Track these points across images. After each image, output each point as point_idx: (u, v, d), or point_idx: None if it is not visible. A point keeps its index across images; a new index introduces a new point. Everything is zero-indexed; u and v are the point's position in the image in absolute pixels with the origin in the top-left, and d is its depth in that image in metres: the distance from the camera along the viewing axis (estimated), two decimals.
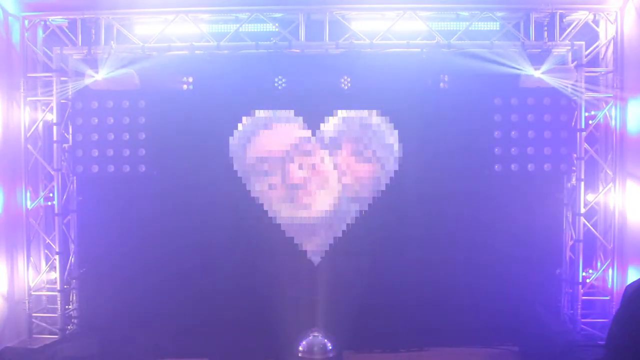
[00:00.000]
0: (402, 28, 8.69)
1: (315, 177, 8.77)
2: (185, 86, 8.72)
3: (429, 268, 8.57)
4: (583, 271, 8.60)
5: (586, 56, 8.59)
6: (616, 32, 8.49)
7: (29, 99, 8.81)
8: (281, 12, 8.74)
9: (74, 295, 8.99)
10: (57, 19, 8.86)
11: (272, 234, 8.75)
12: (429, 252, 8.58)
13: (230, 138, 8.81)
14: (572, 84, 8.33)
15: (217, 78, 8.63)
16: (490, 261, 8.49)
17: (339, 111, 8.77)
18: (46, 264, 9.17)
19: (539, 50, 8.50)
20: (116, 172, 8.72)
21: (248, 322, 8.44)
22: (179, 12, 8.63)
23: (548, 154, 8.53)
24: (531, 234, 8.61)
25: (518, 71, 8.35)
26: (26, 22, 8.78)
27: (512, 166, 8.58)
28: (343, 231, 8.82)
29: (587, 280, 8.74)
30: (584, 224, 8.56)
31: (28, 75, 8.81)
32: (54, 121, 8.76)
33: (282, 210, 8.81)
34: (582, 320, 8.51)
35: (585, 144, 8.57)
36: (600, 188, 8.77)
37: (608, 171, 8.62)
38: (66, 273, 8.89)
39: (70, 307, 8.97)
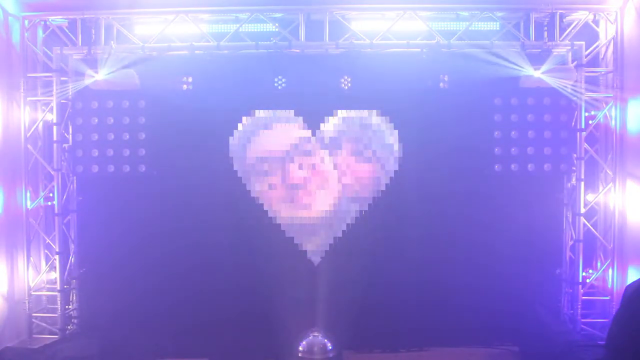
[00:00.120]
0: (402, 28, 8.69)
1: (315, 177, 8.77)
2: (185, 86, 8.71)
3: (429, 268, 8.58)
4: (583, 271, 8.60)
5: (586, 56, 8.60)
6: (616, 32, 8.50)
7: (29, 99, 8.82)
8: (281, 12, 8.75)
9: (74, 295, 9.00)
10: (57, 19, 8.87)
11: (272, 234, 8.75)
12: (429, 252, 8.58)
13: (230, 138, 8.81)
14: (572, 84, 8.33)
15: (217, 78, 8.63)
16: (490, 261, 8.48)
17: (339, 111, 8.77)
18: (46, 264, 9.17)
19: (539, 50, 8.51)
20: (116, 172, 8.73)
21: (248, 322, 8.44)
22: (179, 12, 8.64)
23: (548, 154, 8.53)
24: (531, 234, 8.61)
25: (518, 71, 8.36)
26: (26, 22, 8.79)
27: (512, 166, 8.59)
28: (343, 231, 8.82)
29: (587, 280, 8.74)
30: (584, 224, 8.57)
31: (28, 75, 8.82)
32: (54, 121, 8.77)
33: (282, 210, 8.81)
34: (582, 320, 8.52)
35: (585, 144, 8.57)
36: (600, 188, 8.77)
37: (608, 171, 8.62)
38: (66, 273, 8.89)
39: (70, 307, 8.98)
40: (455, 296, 8.46)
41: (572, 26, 8.65)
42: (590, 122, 8.68)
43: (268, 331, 8.15)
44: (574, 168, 8.55)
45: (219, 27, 8.92)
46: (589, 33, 8.72)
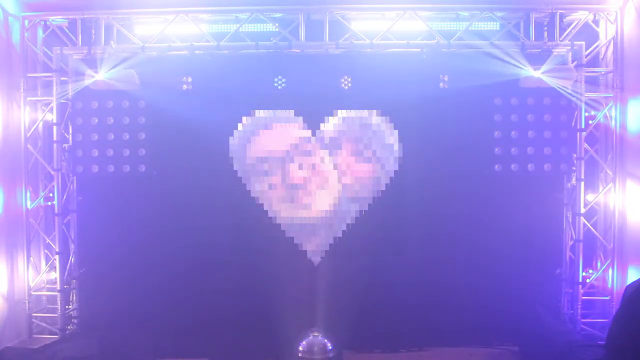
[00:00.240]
0: (402, 28, 8.69)
1: (315, 177, 8.77)
2: (185, 86, 8.70)
3: (429, 268, 8.58)
4: (583, 271, 8.60)
5: (586, 56, 8.60)
6: (616, 32, 8.49)
7: (29, 99, 8.82)
8: (281, 12, 8.74)
9: (74, 295, 8.99)
10: (57, 19, 8.87)
11: (272, 234, 8.76)
12: (429, 252, 8.58)
13: (230, 138, 8.81)
14: (572, 84, 8.32)
15: (217, 78, 8.63)
16: (490, 261, 8.49)
17: (339, 111, 8.78)
18: (46, 264, 9.17)
19: (539, 50, 8.51)
20: (116, 172, 8.73)
21: (248, 322, 8.44)
22: (179, 12, 8.64)
23: (548, 154, 8.53)
24: (531, 234, 8.61)
25: (518, 71, 8.35)
26: (26, 22, 8.79)
27: (512, 166, 8.59)
28: (343, 231, 8.82)
29: (587, 280, 8.74)
30: (584, 224, 8.57)
31: (28, 75, 8.82)
32: (54, 121, 8.77)
33: (282, 210, 8.81)
34: (582, 320, 8.52)
35: (585, 144, 8.57)
36: (600, 188, 8.77)
37: (608, 171, 8.62)
38: (66, 273, 8.89)
39: (70, 307, 8.98)
40: (455, 296, 8.46)
41: (572, 26, 8.64)
42: (590, 122, 8.68)
43: (268, 331, 8.16)
44: (574, 168, 8.55)
45: (219, 27, 8.91)
46: (589, 33, 8.72)
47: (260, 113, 8.81)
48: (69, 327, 8.87)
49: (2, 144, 8.41)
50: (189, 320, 8.54)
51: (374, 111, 8.75)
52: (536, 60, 8.37)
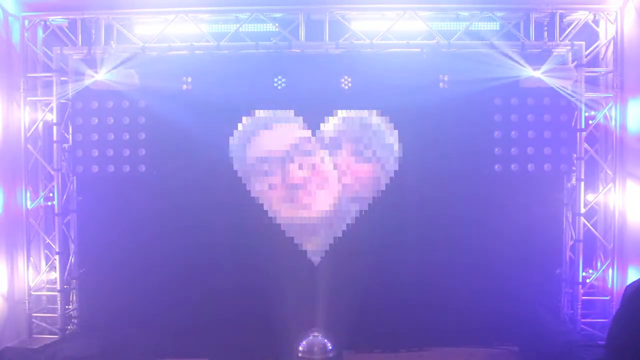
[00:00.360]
0: (402, 28, 8.69)
1: (315, 177, 8.77)
2: (185, 86, 8.69)
3: (429, 268, 8.58)
4: (583, 271, 8.60)
5: (586, 56, 8.59)
6: (616, 32, 8.49)
7: (29, 99, 8.82)
8: (281, 12, 8.74)
9: (74, 295, 8.99)
10: (57, 19, 8.87)
11: (272, 234, 8.75)
12: (429, 252, 8.58)
13: (230, 138, 8.81)
14: (572, 84, 8.32)
15: (217, 78, 8.62)
16: (490, 261, 8.48)
17: (339, 111, 8.77)
18: (46, 264, 9.17)
19: (539, 50, 8.51)
20: (116, 172, 8.73)
21: (248, 322, 8.44)
22: (179, 12, 8.64)
23: (548, 154, 8.53)
24: (531, 234, 8.60)
25: (518, 71, 8.35)
26: (26, 22, 8.79)
27: (512, 166, 8.59)
28: (343, 231, 8.82)
29: (587, 280, 8.74)
30: (584, 224, 8.57)
31: (28, 75, 8.82)
32: (54, 121, 8.76)
33: (282, 210, 8.81)
34: (582, 320, 8.52)
35: (585, 144, 8.57)
36: (600, 188, 8.78)
37: (608, 171, 8.62)
38: (66, 273, 8.89)
39: (70, 307, 8.97)
40: (455, 296, 8.45)
41: (572, 26, 8.65)
42: (590, 122, 8.68)
43: (268, 331, 8.14)
44: (574, 168, 8.55)
45: (219, 27, 8.91)
46: (589, 33, 8.71)
47: (260, 113, 8.81)
48: (69, 327, 8.87)
49: (2, 144, 8.41)
50: (189, 320, 8.54)
51: (374, 111, 8.75)
52: (536, 60, 8.37)
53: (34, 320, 8.87)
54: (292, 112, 8.78)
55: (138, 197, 8.76)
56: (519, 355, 8.22)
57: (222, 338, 8.34)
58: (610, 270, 8.60)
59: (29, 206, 8.85)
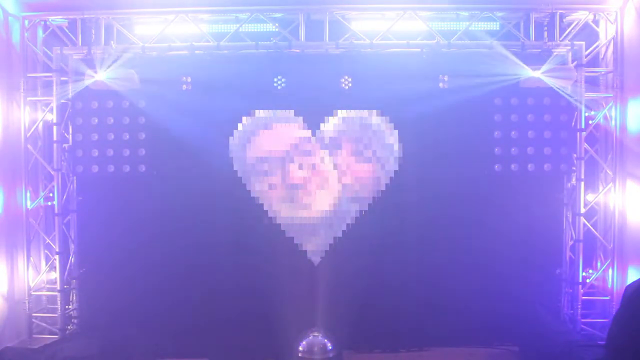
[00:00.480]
0: (402, 28, 8.69)
1: (315, 177, 8.77)
2: (185, 86, 8.69)
3: (429, 268, 8.58)
4: (583, 271, 8.60)
5: (586, 56, 8.59)
6: (616, 32, 8.49)
7: (29, 99, 8.82)
8: (281, 12, 8.74)
9: (74, 295, 8.99)
10: (57, 19, 8.87)
11: (272, 234, 8.75)
12: (429, 252, 8.58)
13: (230, 138, 8.81)
14: (572, 84, 8.32)
15: (217, 78, 8.62)
16: (490, 261, 8.48)
17: (339, 111, 8.77)
18: (46, 264, 9.17)
19: (539, 50, 8.51)
20: (116, 172, 8.73)
21: (248, 322, 8.44)
22: (179, 12, 8.64)
23: (548, 154, 8.53)
24: (531, 234, 8.61)
25: (518, 71, 8.35)
26: (26, 22, 8.79)
27: (512, 166, 8.59)
28: (343, 231, 8.81)
29: (587, 280, 8.74)
30: (584, 224, 8.57)
31: (28, 75, 8.82)
32: (54, 121, 8.76)
33: (282, 210, 8.81)
34: (582, 320, 8.52)
35: (585, 144, 8.57)
36: (600, 188, 8.77)
37: (608, 171, 8.62)
38: (66, 273, 8.89)
39: (70, 307, 8.97)
40: (455, 296, 8.46)
41: (572, 26, 8.65)
42: (590, 122, 8.68)
43: (268, 331, 8.14)
44: (574, 168, 8.55)
45: (219, 27, 8.91)
46: (589, 33, 8.71)
47: (260, 113, 8.81)
48: (69, 327, 8.87)
49: (2, 144, 8.41)
50: (189, 320, 8.54)
51: (374, 111, 8.75)
52: (536, 60, 8.37)
53: (34, 320, 8.86)
54: (292, 112, 8.78)
55: (138, 197, 8.76)
56: (519, 355, 8.22)
57: (222, 338, 8.34)
58: (610, 270, 8.60)
59: (29, 206, 8.85)
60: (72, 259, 8.94)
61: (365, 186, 8.79)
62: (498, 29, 8.76)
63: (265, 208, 8.81)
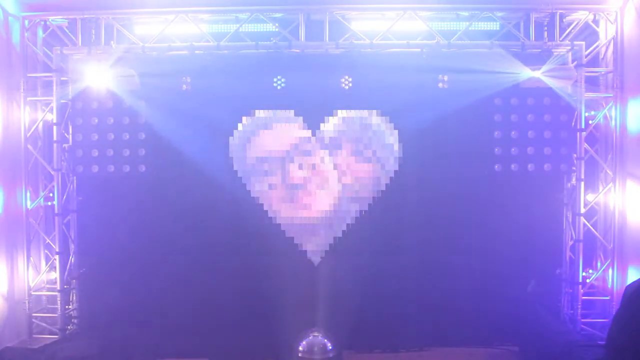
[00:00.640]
0: (402, 28, 8.69)
1: (315, 177, 8.77)
2: (184, 86, 8.69)
3: (429, 268, 8.58)
4: (583, 271, 8.59)
5: (586, 56, 8.59)
6: (616, 32, 8.49)
7: (29, 99, 8.82)
8: (281, 12, 8.74)
9: (74, 295, 8.99)
10: (57, 19, 8.86)
11: (272, 234, 8.75)
12: (429, 252, 8.58)
13: (230, 138, 8.81)
14: (572, 84, 8.32)
15: (217, 78, 8.61)
16: (490, 261, 8.48)
17: (339, 111, 8.78)
18: (46, 264, 9.17)
19: (539, 50, 8.51)
20: (116, 172, 8.73)
21: (248, 322, 8.44)
22: (179, 12, 8.63)
23: (548, 154, 8.53)
24: (531, 234, 8.60)
25: (518, 71, 8.35)
26: (26, 22, 8.78)
27: (512, 166, 8.59)
28: (343, 231, 8.82)
29: (587, 280, 8.74)
30: (584, 224, 8.56)
31: (28, 75, 8.81)
32: (54, 121, 8.76)
33: (282, 210, 8.82)
34: (582, 320, 8.51)
35: (585, 144, 8.57)
36: (600, 188, 8.77)
37: (608, 171, 8.62)
38: (66, 273, 8.89)
39: (70, 307, 8.97)
40: (455, 296, 8.45)
41: (572, 26, 8.64)
42: (590, 122, 8.68)
43: (268, 331, 8.14)
44: (574, 168, 8.55)
45: (219, 27, 8.91)
46: (589, 33, 8.71)
47: (260, 113, 8.81)
48: (69, 327, 8.86)
49: (2, 144, 8.41)
50: (189, 320, 8.53)
51: (374, 111, 8.75)
52: (536, 60, 8.37)
53: (34, 320, 8.86)
54: (292, 112, 8.78)
55: (138, 197, 8.77)
56: (519, 355, 8.22)
57: (222, 338, 8.33)
58: (610, 270, 8.60)
59: (29, 206, 8.85)
60: (72, 259, 8.94)
61: (365, 186, 8.79)
62: (498, 29, 8.76)
63: (265, 208, 8.82)
